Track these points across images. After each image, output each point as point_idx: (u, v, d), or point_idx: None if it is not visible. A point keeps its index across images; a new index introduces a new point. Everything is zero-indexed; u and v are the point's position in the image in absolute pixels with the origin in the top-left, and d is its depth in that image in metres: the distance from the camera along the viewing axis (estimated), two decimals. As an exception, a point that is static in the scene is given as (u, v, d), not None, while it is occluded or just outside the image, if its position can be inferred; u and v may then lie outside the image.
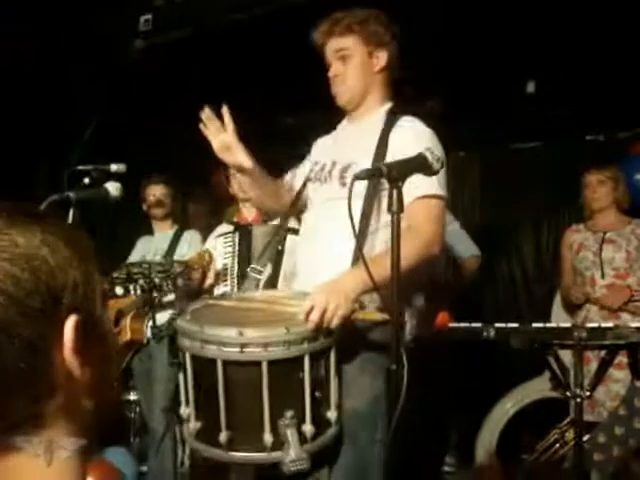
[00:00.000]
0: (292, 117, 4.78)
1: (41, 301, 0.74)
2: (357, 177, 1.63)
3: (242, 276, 3.46)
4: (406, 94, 2.98)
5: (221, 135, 2.12)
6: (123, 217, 5.41)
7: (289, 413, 1.74)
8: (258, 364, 1.74)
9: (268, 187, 2.33)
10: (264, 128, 4.65)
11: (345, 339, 1.96)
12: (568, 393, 2.27)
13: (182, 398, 1.93)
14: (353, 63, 2.18)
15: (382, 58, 2.20)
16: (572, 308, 3.82)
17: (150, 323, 3.74)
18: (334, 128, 2.44)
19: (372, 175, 1.64)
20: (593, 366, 2.77)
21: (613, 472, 2.28)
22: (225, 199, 5.23)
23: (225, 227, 3.81)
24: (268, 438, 1.75)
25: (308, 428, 1.79)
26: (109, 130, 4.72)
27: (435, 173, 1.66)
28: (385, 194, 1.99)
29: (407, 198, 1.78)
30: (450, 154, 5.65)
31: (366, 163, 2.06)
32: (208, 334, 1.79)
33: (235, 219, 3.83)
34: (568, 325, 2.23)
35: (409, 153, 1.89)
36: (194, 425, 1.85)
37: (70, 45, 4.07)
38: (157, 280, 3.46)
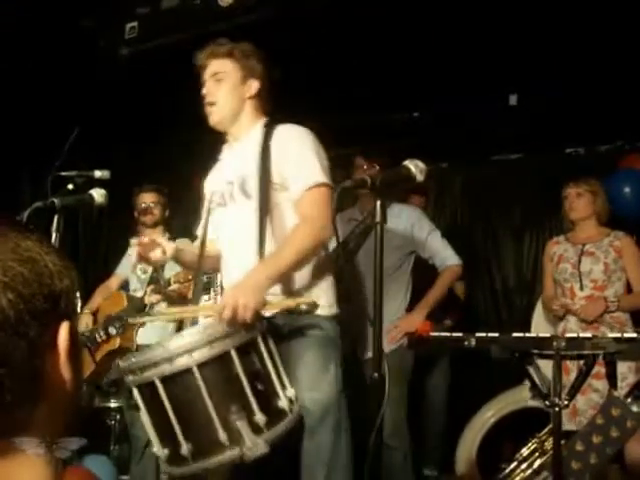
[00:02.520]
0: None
1: (44, 303, 0.77)
2: (343, 187, 1.67)
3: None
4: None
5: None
6: (107, 223, 5.40)
7: (234, 407, 1.83)
8: (190, 370, 1.84)
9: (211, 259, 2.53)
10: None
11: (303, 334, 2.18)
12: (547, 402, 2.29)
13: (154, 441, 1.98)
14: (226, 85, 2.38)
15: (253, 87, 2.41)
16: (553, 319, 3.86)
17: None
18: None
19: (357, 186, 1.67)
20: (573, 376, 2.80)
21: (590, 480, 2.31)
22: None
23: None
24: (223, 436, 1.82)
25: (259, 417, 1.86)
26: (94, 136, 4.71)
27: (419, 184, 1.69)
28: (280, 197, 2.29)
29: (296, 195, 2.21)
30: (432, 165, 5.74)
31: (254, 171, 2.29)
32: (141, 361, 1.92)
33: None
34: (547, 335, 2.26)
35: (290, 151, 2.25)
36: (162, 453, 1.92)
37: (55, 50, 4.07)
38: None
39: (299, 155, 2.26)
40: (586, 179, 3.80)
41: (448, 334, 2.41)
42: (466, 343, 2.26)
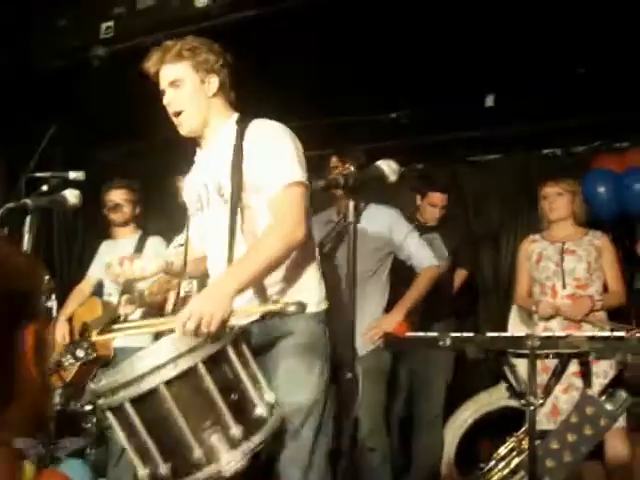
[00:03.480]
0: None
1: (11, 302, 0.76)
2: (316, 188, 1.67)
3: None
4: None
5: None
6: (82, 224, 5.35)
7: (208, 422, 1.81)
8: (157, 390, 1.81)
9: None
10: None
11: (286, 338, 2.14)
12: (522, 401, 2.31)
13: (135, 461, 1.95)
14: (186, 90, 2.28)
15: (214, 83, 2.31)
16: (528, 318, 3.88)
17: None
18: None
19: (329, 187, 1.66)
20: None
21: (564, 478, 2.33)
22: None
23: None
24: (199, 453, 1.79)
25: (235, 431, 1.83)
26: (69, 137, 4.67)
27: (389, 184, 1.69)
28: (254, 198, 2.21)
29: (272, 189, 2.11)
30: (409, 166, 5.74)
31: (227, 173, 2.22)
32: (110, 383, 1.89)
33: None
34: (522, 334, 2.27)
35: (264, 149, 2.18)
36: (144, 473, 1.90)
37: (30, 49, 4.03)
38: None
39: (273, 153, 2.17)
40: (564, 178, 3.83)
41: (423, 334, 2.41)
42: (441, 343, 2.26)
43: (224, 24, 3.58)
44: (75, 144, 4.60)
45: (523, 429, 3.74)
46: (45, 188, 2.81)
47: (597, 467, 3.59)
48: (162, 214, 4.42)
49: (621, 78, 4.17)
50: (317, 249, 2.42)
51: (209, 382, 1.83)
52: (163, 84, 2.32)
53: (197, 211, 2.41)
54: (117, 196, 4.10)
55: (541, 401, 2.29)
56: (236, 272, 2.06)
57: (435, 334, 2.32)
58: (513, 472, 3.90)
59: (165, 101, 2.32)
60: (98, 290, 4.20)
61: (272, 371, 2.17)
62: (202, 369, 1.83)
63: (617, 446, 3.42)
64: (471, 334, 2.31)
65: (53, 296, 4.31)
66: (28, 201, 2.29)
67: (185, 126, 2.33)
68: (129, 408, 1.83)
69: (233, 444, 1.82)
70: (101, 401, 1.91)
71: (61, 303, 4.13)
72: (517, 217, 5.18)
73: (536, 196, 3.91)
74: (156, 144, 4.88)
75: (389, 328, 3.46)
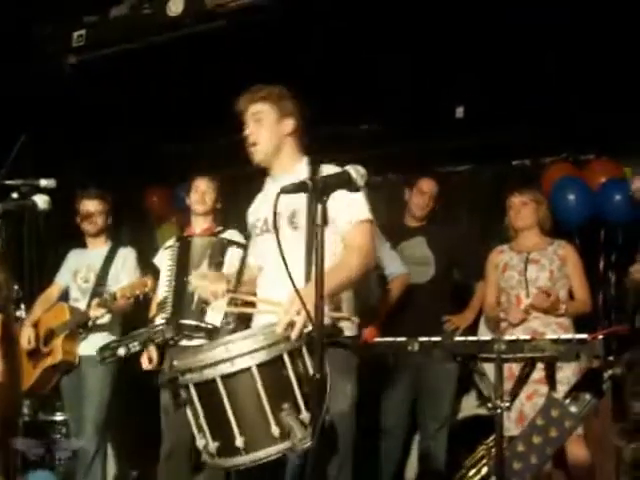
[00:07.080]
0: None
1: None
2: (283, 191, 1.71)
3: (179, 286, 3.59)
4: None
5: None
6: (54, 232, 5.31)
7: (286, 405, 2.04)
8: (249, 370, 2.04)
9: None
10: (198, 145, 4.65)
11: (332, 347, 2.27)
12: (489, 405, 2.34)
13: (195, 432, 2.15)
14: (264, 124, 2.58)
15: (289, 125, 2.61)
16: (494, 326, 3.94)
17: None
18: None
19: (298, 189, 1.70)
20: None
21: (531, 480, 2.37)
22: (159, 217, 5.20)
23: (172, 241, 3.86)
24: (275, 430, 2.01)
25: (304, 415, 2.05)
26: (41, 145, 4.64)
27: (358, 189, 1.73)
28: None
29: (344, 228, 2.45)
30: (382, 176, 5.76)
31: (302, 203, 2.43)
32: (202, 360, 2.10)
33: (185, 234, 3.91)
34: (488, 338, 2.31)
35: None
36: (213, 445, 2.08)
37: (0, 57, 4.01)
38: None
39: (346, 194, 2.24)
40: (530, 189, 3.91)
41: (391, 339, 2.44)
42: (409, 348, 2.29)
43: (196, 33, 3.61)
44: (47, 152, 4.56)
45: (493, 436, 3.79)
46: (15, 195, 2.81)
47: (563, 474, 3.67)
48: (131, 226, 4.39)
49: (587, 91, 4.27)
50: None
51: (290, 371, 2.07)
52: (247, 119, 2.61)
53: (263, 232, 2.64)
54: (90, 206, 4.11)
55: (507, 404, 2.32)
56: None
57: (403, 339, 2.34)
58: (484, 479, 3.94)
59: (246, 132, 2.60)
60: (64, 296, 4.19)
61: None
62: (287, 359, 2.08)
63: (578, 453, 3.51)
64: (438, 338, 2.34)
65: (22, 305, 4.29)
66: (-4, 206, 2.28)
67: (258, 155, 2.59)
68: (219, 383, 2.04)
69: (304, 427, 2.02)
70: (187, 376, 2.09)
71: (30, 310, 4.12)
72: (487, 227, 5.23)
73: (505, 206, 3.98)
74: (127, 152, 4.87)
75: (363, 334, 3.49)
